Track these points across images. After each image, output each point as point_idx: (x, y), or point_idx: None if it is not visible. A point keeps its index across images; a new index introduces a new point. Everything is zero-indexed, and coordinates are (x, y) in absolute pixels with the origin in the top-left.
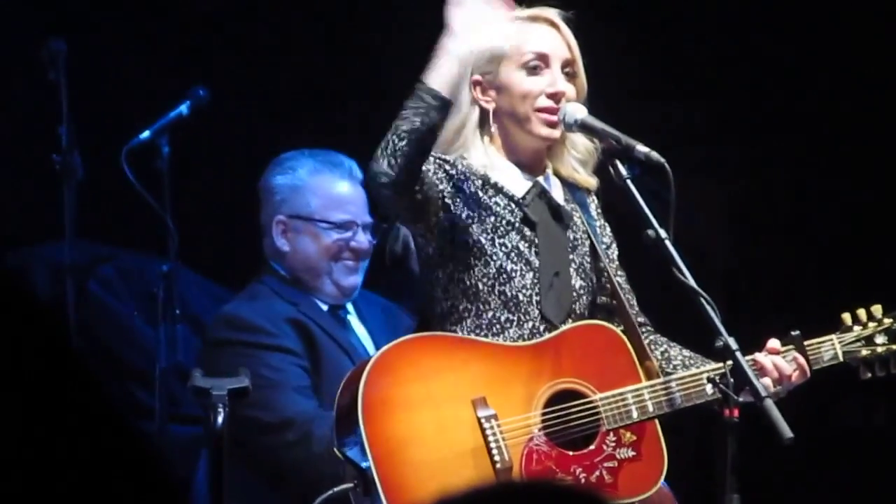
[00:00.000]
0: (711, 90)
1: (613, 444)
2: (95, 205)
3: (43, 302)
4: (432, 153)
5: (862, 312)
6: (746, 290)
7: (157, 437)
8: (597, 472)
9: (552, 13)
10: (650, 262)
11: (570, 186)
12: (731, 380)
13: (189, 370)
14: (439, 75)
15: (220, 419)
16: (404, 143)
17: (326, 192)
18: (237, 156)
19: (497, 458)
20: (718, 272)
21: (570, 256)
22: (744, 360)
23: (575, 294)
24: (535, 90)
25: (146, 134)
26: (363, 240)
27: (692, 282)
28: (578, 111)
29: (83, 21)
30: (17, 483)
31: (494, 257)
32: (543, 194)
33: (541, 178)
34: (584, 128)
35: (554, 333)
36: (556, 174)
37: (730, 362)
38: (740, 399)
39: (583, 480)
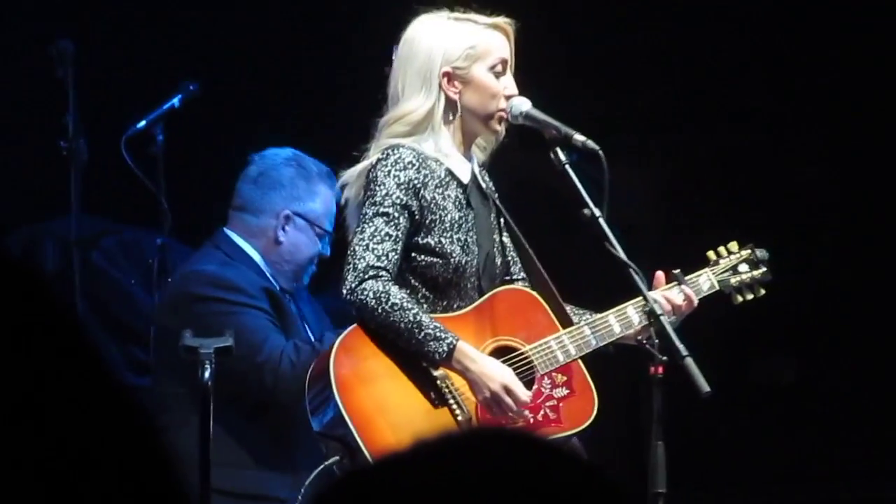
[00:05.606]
0: (641, 85)
1: (549, 386)
2: (98, 186)
3: (47, 277)
4: (398, 149)
5: (722, 249)
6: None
7: (151, 389)
8: (541, 412)
9: (509, 24)
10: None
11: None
12: (657, 341)
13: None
14: (458, 363)
15: (206, 374)
16: (389, 319)
17: (326, 202)
18: (223, 143)
19: (458, 411)
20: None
21: (494, 236)
22: (668, 325)
23: (499, 270)
24: (502, 92)
25: (142, 123)
26: (328, 251)
27: (623, 254)
28: (524, 104)
29: (88, 22)
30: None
31: (454, 254)
32: (475, 178)
33: (472, 163)
34: (528, 119)
35: (482, 300)
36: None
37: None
38: (664, 357)
39: (531, 420)
